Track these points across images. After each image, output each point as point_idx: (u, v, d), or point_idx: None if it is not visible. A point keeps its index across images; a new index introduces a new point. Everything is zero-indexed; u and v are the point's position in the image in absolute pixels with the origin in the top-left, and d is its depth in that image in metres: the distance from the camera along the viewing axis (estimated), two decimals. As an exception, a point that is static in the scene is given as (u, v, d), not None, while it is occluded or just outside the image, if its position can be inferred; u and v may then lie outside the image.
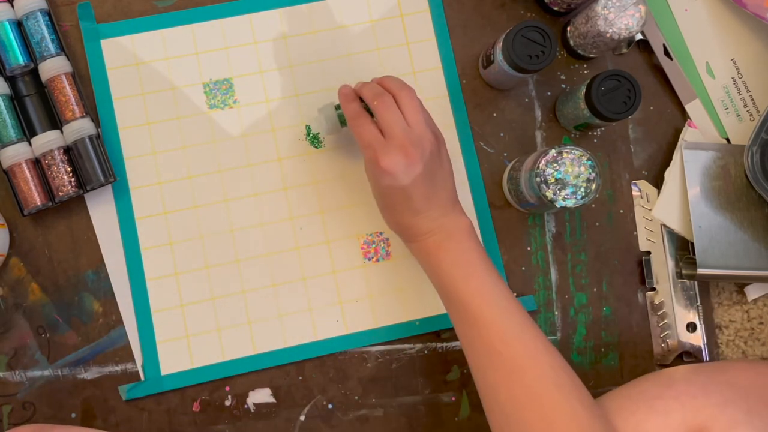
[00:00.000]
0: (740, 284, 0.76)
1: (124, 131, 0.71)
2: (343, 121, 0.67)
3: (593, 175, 0.64)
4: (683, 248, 0.74)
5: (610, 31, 0.68)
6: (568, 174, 0.64)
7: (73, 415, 0.68)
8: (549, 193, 0.64)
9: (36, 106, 0.70)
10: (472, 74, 0.75)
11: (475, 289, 0.58)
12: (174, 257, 0.70)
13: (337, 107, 0.67)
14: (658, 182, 0.75)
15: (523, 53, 0.66)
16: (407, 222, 0.61)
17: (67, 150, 0.68)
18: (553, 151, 0.64)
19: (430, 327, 0.71)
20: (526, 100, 0.75)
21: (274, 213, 0.72)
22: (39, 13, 0.69)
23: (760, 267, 0.71)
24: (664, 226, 0.74)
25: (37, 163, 0.68)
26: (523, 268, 0.73)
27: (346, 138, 0.73)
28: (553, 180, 0.64)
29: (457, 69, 0.75)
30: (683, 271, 0.73)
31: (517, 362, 0.55)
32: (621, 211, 0.75)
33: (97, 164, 0.68)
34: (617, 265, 0.74)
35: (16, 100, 0.70)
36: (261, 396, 0.70)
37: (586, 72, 0.76)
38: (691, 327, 0.73)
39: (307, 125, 0.73)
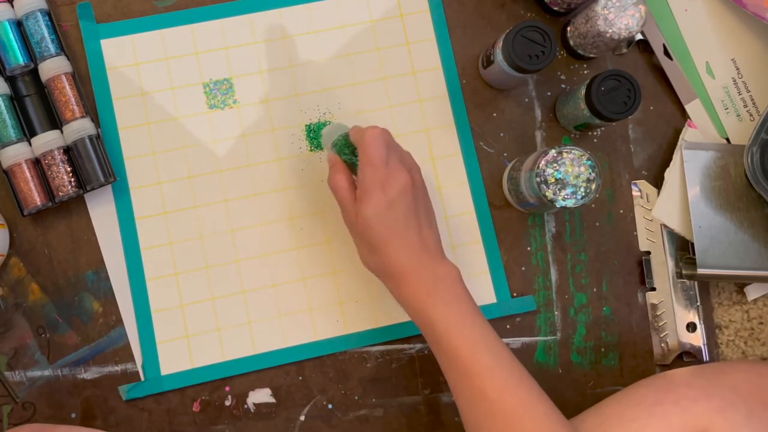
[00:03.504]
0: (740, 284, 0.76)
1: (124, 131, 0.71)
2: (333, 146, 0.66)
3: (593, 175, 0.64)
4: (683, 248, 0.74)
5: (610, 31, 0.68)
6: (568, 174, 0.64)
7: (73, 415, 0.68)
8: (549, 193, 0.64)
9: (36, 106, 0.70)
10: (472, 74, 0.75)
11: (468, 337, 0.57)
12: (174, 257, 0.70)
13: (345, 136, 0.65)
14: (658, 182, 0.75)
15: (523, 53, 0.66)
16: (389, 264, 0.59)
17: (67, 150, 0.68)
18: (553, 151, 0.64)
19: (430, 327, 0.71)
20: (526, 100, 0.75)
21: (273, 213, 0.72)
22: (39, 13, 0.69)
23: (760, 267, 0.71)
24: (664, 226, 0.74)
25: (37, 163, 0.68)
26: (523, 268, 0.73)
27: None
28: (553, 180, 0.64)
29: (457, 69, 0.75)
30: (683, 271, 0.73)
31: (512, 411, 0.55)
32: (621, 211, 0.75)
33: (97, 164, 0.68)
34: (617, 265, 0.74)
35: (16, 100, 0.70)
36: (261, 396, 0.70)
37: (586, 72, 0.76)
38: (691, 327, 0.73)
39: (306, 125, 0.73)
